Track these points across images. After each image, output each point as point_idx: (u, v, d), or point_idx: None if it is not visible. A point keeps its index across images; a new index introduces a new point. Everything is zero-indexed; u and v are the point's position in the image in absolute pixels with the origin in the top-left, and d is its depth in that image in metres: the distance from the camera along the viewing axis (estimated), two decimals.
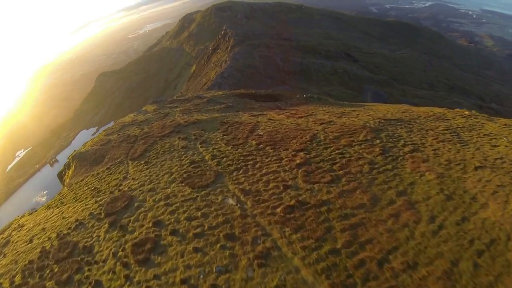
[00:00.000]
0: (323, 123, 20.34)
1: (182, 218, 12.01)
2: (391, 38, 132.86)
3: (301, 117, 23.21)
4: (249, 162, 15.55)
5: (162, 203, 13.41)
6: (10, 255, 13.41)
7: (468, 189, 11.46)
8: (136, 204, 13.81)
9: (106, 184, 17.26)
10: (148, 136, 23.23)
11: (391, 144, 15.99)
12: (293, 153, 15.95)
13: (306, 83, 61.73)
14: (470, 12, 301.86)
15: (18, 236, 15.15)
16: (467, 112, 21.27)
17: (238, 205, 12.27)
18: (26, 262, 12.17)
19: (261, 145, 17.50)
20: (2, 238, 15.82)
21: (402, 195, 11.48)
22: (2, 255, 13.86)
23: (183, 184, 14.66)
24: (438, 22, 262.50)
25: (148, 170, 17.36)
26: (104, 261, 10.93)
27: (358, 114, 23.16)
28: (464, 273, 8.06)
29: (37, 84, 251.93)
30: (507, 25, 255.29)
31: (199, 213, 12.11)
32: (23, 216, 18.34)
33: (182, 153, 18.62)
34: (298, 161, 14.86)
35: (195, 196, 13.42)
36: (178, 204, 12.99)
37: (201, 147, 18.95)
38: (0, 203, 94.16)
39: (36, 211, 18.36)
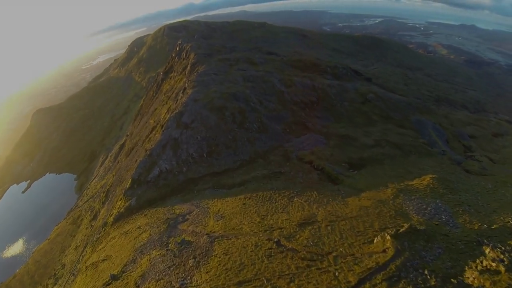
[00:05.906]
0: None
1: None
2: (361, 53, 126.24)
3: None
4: None
5: None
6: None
7: None
8: None
9: None
10: None
11: None
12: None
13: (337, 123, 40.63)
14: (417, 25, 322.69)
15: None
16: None
17: None
18: None
19: None
20: None
21: None
22: None
23: None
24: (391, 36, 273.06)
25: None
26: None
27: None
28: None
29: None
30: (452, 34, 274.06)
31: None
32: None
33: None
34: None
35: None
36: None
37: None
38: None
39: None
